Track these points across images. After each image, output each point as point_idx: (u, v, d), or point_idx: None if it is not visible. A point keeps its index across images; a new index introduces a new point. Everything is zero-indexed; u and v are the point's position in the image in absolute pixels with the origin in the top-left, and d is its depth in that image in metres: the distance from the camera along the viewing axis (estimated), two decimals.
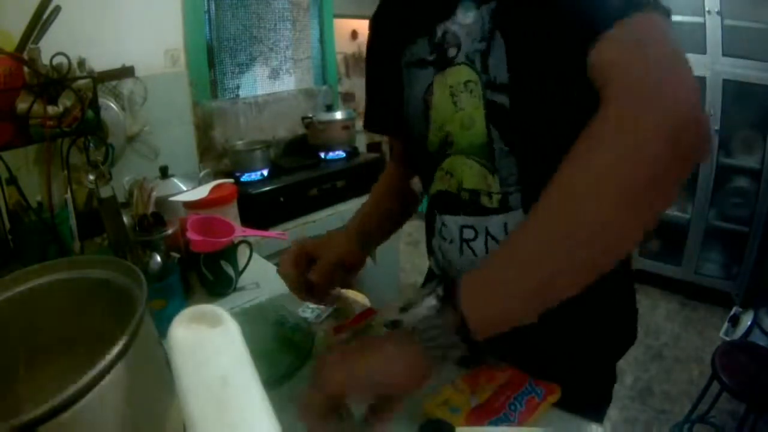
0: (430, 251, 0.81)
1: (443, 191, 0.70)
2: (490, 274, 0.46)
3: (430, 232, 0.79)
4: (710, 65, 2.32)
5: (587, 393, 0.68)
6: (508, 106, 0.59)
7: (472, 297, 0.45)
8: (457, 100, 0.64)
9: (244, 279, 1.09)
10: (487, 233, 0.66)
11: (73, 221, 1.14)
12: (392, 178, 0.90)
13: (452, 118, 0.65)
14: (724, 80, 2.31)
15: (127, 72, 1.66)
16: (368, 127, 0.87)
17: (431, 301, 0.48)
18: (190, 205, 1.15)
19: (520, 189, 0.62)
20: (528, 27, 0.55)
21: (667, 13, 0.47)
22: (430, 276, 0.91)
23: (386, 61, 0.75)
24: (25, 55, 1.13)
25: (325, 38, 2.46)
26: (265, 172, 1.97)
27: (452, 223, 0.70)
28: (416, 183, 0.85)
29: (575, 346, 0.72)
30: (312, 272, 0.79)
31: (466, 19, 0.61)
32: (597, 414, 0.77)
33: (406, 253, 3.20)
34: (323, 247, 0.81)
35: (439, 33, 0.65)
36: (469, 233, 0.67)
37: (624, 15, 0.45)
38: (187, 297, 1.02)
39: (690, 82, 0.42)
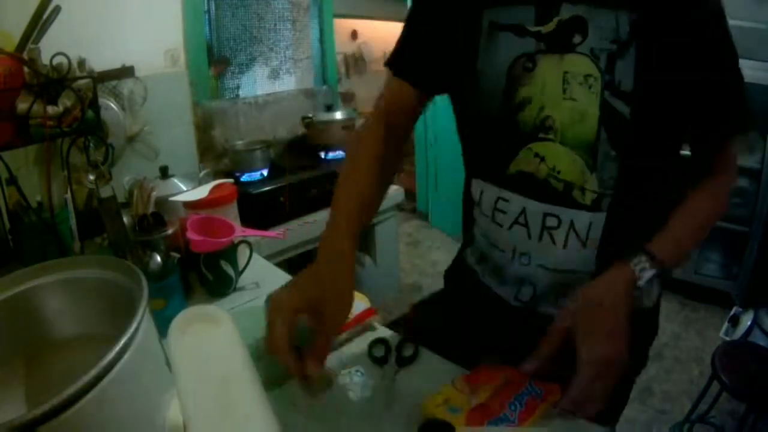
0: (467, 228, 0.79)
1: (526, 173, 0.67)
2: (676, 238, 0.65)
3: (469, 208, 0.78)
4: None
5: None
6: (627, 114, 0.61)
7: (668, 260, 0.62)
8: (568, 88, 0.62)
9: (244, 279, 1.09)
10: (571, 226, 0.66)
11: (73, 221, 1.14)
12: (379, 144, 0.73)
13: (559, 105, 0.63)
14: None
15: (127, 72, 1.66)
16: (404, 74, 0.75)
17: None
18: (190, 205, 1.15)
19: (613, 194, 0.64)
20: (667, 55, 0.59)
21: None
22: (458, 261, 0.84)
23: (453, 11, 0.69)
24: (25, 55, 1.13)
25: (325, 38, 2.46)
26: (265, 172, 1.97)
27: (534, 207, 0.67)
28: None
29: None
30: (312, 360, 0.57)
31: (595, 11, 0.60)
32: (612, 415, 0.79)
33: (406, 253, 3.19)
34: (325, 306, 0.59)
35: (566, 14, 0.61)
36: (552, 221, 0.67)
37: (737, 133, 0.69)
38: (187, 297, 1.02)
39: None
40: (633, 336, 0.62)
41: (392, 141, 0.75)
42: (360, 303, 0.90)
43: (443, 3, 0.71)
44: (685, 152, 0.72)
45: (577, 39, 0.61)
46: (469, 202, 0.79)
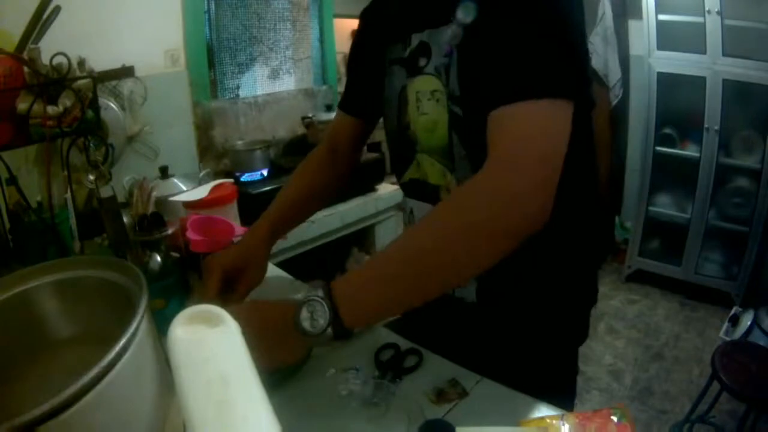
0: None
1: (415, 179, 0.79)
2: (359, 283, 0.60)
3: (405, 216, 0.88)
4: (710, 65, 2.32)
5: (550, 382, 0.73)
6: (462, 116, 0.67)
7: (346, 301, 0.58)
8: (420, 105, 0.72)
9: None
10: None
11: (73, 221, 1.14)
12: (325, 166, 0.97)
13: (417, 121, 0.74)
14: (724, 80, 2.31)
15: (127, 72, 1.66)
16: (345, 109, 0.95)
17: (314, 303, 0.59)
18: (190, 205, 1.15)
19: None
20: (480, 54, 0.63)
21: (565, 94, 0.56)
22: None
23: (370, 53, 0.84)
24: (25, 55, 1.13)
25: (325, 38, 2.46)
26: (265, 172, 1.97)
27: (421, 208, 0.79)
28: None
29: (532, 332, 0.77)
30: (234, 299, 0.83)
31: (433, 34, 0.69)
32: (559, 389, 0.81)
33: None
34: (244, 266, 0.86)
35: (415, 42, 0.72)
36: None
37: (521, 98, 0.55)
38: (187, 297, 1.02)
39: (539, 174, 0.55)
40: (569, 305, 0.76)
41: (335, 166, 0.96)
42: None
43: (363, 46, 0.88)
44: None
45: (422, 62, 0.70)
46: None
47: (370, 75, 0.84)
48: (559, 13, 0.58)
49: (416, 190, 0.79)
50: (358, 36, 0.91)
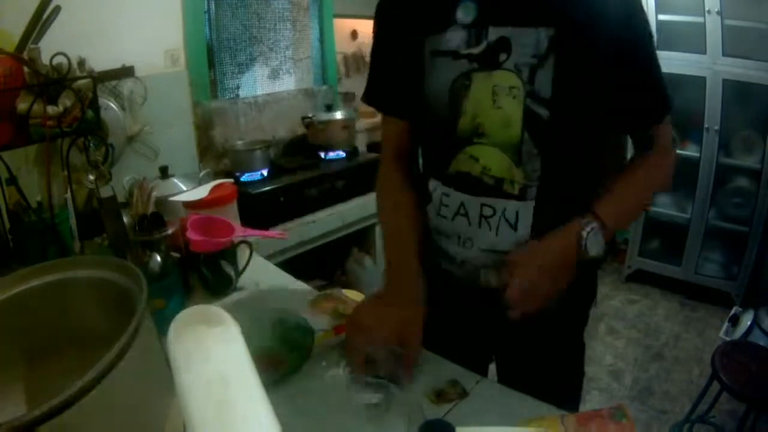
0: (428, 227, 0.87)
1: (464, 173, 0.78)
2: (615, 209, 0.76)
3: (427, 206, 0.86)
4: (710, 65, 2.32)
5: (559, 376, 0.85)
6: (546, 117, 0.71)
7: (609, 230, 0.74)
8: (497, 99, 0.73)
9: (244, 279, 1.09)
10: (503, 213, 0.77)
11: (73, 221, 1.14)
12: (400, 183, 0.89)
13: (488, 114, 0.74)
14: (724, 80, 2.31)
15: (127, 72, 1.66)
16: (373, 102, 0.89)
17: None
18: (190, 205, 1.15)
19: (538, 185, 0.75)
20: (581, 64, 0.69)
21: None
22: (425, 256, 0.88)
23: (403, 44, 0.80)
24: (25, 55, 1.13)
25: (325, 38, 2.46)
26: (265, 172, 1.97)
27: (472, 201, 0.78)
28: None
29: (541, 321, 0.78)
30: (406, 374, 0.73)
31: (519, 31, 0.71)
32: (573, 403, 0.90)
33: None
34: (408, 325, 0.76)
35: (493, 36, 0.71)
36: (488, 211, 0.77)
37: (667, 114, 0.80)
38: (187, 297, 1.02)
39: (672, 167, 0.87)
40: (571, 298, 0.79)
41: (409, 183, 0.89)
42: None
43: (393, 38, 0.83)
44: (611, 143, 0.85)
45: (502, 57, 0.71)
46: (424, 200, 0.87)
47: (403, 66, 0.81)
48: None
49: (463, 181, 0.78)
50: (384, 26, 0.84)
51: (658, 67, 0.74)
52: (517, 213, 0.76)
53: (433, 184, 0.85)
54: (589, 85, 0.70)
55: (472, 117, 0.75)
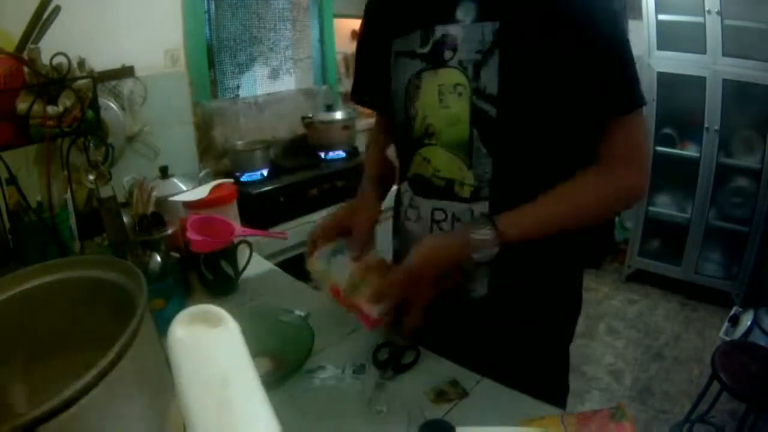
0: (395, 231, 0.91)
1: (418, 175, 0.78)
2: (520, 222, 0.69)
3: (396, 213, 0.89)
4: (710, 65, 2.32)
5: (544, 381, 0.79)
6: (494, 115, 0.68)
7: (511, 228, 0.68)
8: (443, 98, 0.71)
9: (244, 279, 1.09)
10: (454, 216, 0.75)
11: (73, 221, 1.14)
12: (383, 149, 0.97)
13: (437, 114, 0.73)
14: (724, 80, 2.31)
15: (127, 72, 1.66)
16: (356, 100, 0.95)
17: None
18: (190, 205, 1.15)
19: (489, 185, 0.72)
20: (528, 57, 0.65)
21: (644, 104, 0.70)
22: (396, 256, 0.95)
23: (377, 45, 0.81)
24: (25, 55, 1.13)
25: (325, 38, 2.46)
26: (265, 172, 1.97)
27: (425, 204, 0.78)
28: (391, 153, 0.95)
29: (525, 328, 0.80)
30: (351, 245, 0.81)
31: (464, 28, 0.69)
32: (553, 389, 0.85)
33: None
34: (355, 217, 0.84)
35: (439, 34, 0.71)
36: (439, 215, 0.76)
37: (635, 108, 0.68)
38: (187, 297, 1.02)
39: (647, 170, 0.72)
40: (555, 311, 0.81)
41: (388, 163, 0.95)
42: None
43: (370, 39, 0.86)
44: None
45: (448, 55, 0.70)
46: (396, 205, 0.90)
47: (378, 66, 0.82)
48: (624, 28, 0.69)
49: (419, 184, 0.78)
50: (364, 28, 0.88)
51: (626, 59, 0.66)
52: (471, 213, 0.73)
53: (403, 188, 0.85)
54: (537, 80, 0.66)
55: (422, 117, 0.74)
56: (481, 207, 0.73)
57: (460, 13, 0.69)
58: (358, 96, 0.95)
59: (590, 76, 0.66)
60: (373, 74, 0.85)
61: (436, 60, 0.71)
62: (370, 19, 0.87)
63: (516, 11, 0.65)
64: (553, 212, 0.71)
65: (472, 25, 0.68)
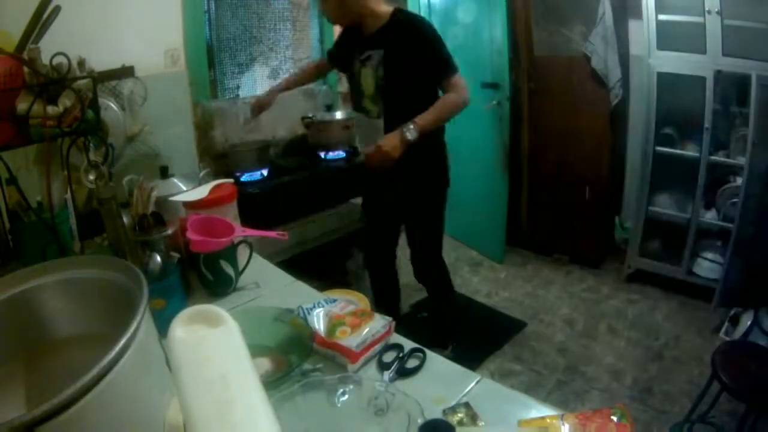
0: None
1: (363, 107, 1.84)
2: (424, 118, 1.65)
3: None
4: (710, 65, 2.32)
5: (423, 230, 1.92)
6: (382, 84, 1.71)
7: (421, 120, 1.64)
8: (366, 78, 1.75)
9: (244, 279, 1.09)
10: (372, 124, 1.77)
11: (73, 221, 1.14)
12: (319, 69, 2.07)
13: (367, 84, 1.74)
14: (724, 80, 2.31)
15: (127, 72, 1.66)
16: (333, 63, 1.99)
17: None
18: (190, 205, 1.15)
19: (384, 112, 1.74)
20: (396, 63, 1.67)
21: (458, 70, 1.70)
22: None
23: (346, 50, 1.83)
24: (25, 55, 1.13)
25: (325, 38, 2.46)
26: (265, 172, 1.98)
27: (359, 117, 1.83)
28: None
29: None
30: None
31: (373, 51, 1.71)
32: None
33: (406, 254, 3.19)
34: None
35: (366, 53, 1.72)
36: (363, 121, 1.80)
37: (453, 74, 1.68)
38: (187, 297, 1.02)
39: (468, 95, 1.71)
40: (427, 168, 1.79)
41: (314, 74, 2.08)
42: (379, 318, 0.89)
43: (343, 45, 1.88)
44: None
45: (367, 63, 1.72)
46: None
47: (343, 56, 1.86)
48: (438, 40, 1.68)
49: (361, 111, 1.83)
50: (340, 38, 1.96)
51: (439, 50, 1.65)
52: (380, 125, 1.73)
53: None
54: (401, 71, 1.67)
55: (360, 85, 1.77)
56: (381, 121, 1.74)
57: (371, 46, 1.70)
58: (335, 63, 1.97)
59: (428, 67, 1.65)
60: (341, 57, 1.88)
61: (364, 63, 1.73)
62: (344, 38, 1.90)
63: (389, 45, 1.66)
64: (438, 113, 1.66)
65: (374, 51, 1.69)
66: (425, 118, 1.60)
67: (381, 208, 1.93)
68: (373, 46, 1.66)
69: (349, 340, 0.82)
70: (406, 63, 1.62)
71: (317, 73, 2.04)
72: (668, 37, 2.40)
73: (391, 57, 1.63)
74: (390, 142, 1.60)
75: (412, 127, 1.58)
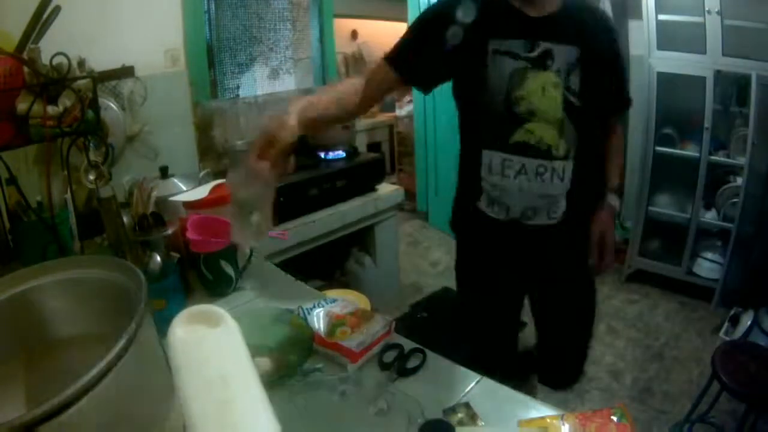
0: (477, 189, 1.11)
1: (522, 142, 1.04)
2: (615, 177, 1.21)
3: (476, 173, 1.10)
4: (710, 65, 2.32)
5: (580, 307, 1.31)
6: (577, 104, 1.03)
7: (616, 182, 1.22)
8: (546, 91, 1.03)
9: (244, 279, 1.09)
10: (553, 170, 1.05)
11: (73, 221, 1.14)
12: (353, 95, 1.07)
13: (540, 100, 1.02)
14: (724, 80, 2.31)
15: (127, 72, 1.66)
16: (396, 65, 1.08)
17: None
18: (190, 205, 1.15)
19: (576, 149, 1.06)
20: (595, 70, 1.03)
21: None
22: (491, 202, 1.13)
23: (461, 38, 1.03)
24: (25, 55, 1.13)
25: (325, 38, 2.46)
26: None
27: (530, 162, 1.05)
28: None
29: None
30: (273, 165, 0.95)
31: (558, 47, 1.01)
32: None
33: (406, 254, 3.19)
34: (279, 133, 0.94)
35: (542, 48, 1.01)
36: (542, 169, 1.05)
37: (628, 108, 1.23)
38: (187, 297, 1.02)
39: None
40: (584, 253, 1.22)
41: (357, 101, 1.07)
42: (380, 318, 0.90)
43: (447, 31, 1.03)
44: None
45: (549, 63, 1.01)
46: (474, 168, 1.10)
47: (438, 52, 1.05)
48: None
49: (522, 149, 1.05)
50: (442, 17, 1.06)
51: (624, 80, 1.20)
52: (563, 169, 1.05)
53: (488, 154, 1.08)
54: (600, 84, 1.06)
55: (528, 102, 1.02)
56: (570, 163, 1.05)
57: (554, 36, 1.00)
58: (401, 65, 1.08)
59: (616, 87, 1.15)
60: (433, 57, 1.07)
61: (541, 65, 1.01)
62: (452, 13, 1.03)
63: (587, 41, 1.02)
64: (620, 159, 1.25)
65: (563, 46, 1.01)
66: (618, 176, 1.23)
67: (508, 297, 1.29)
68: (555, 37, 1.00)
69: (350, 340, 0.82)
70: (605, 76, 1.07)
71: (365, 101, 1.10)
72: (668, 37, 2.40)
73: (590, 62, 1.02)
74: (609, 226, 1.19)
75: (616, 199, 1.20)
